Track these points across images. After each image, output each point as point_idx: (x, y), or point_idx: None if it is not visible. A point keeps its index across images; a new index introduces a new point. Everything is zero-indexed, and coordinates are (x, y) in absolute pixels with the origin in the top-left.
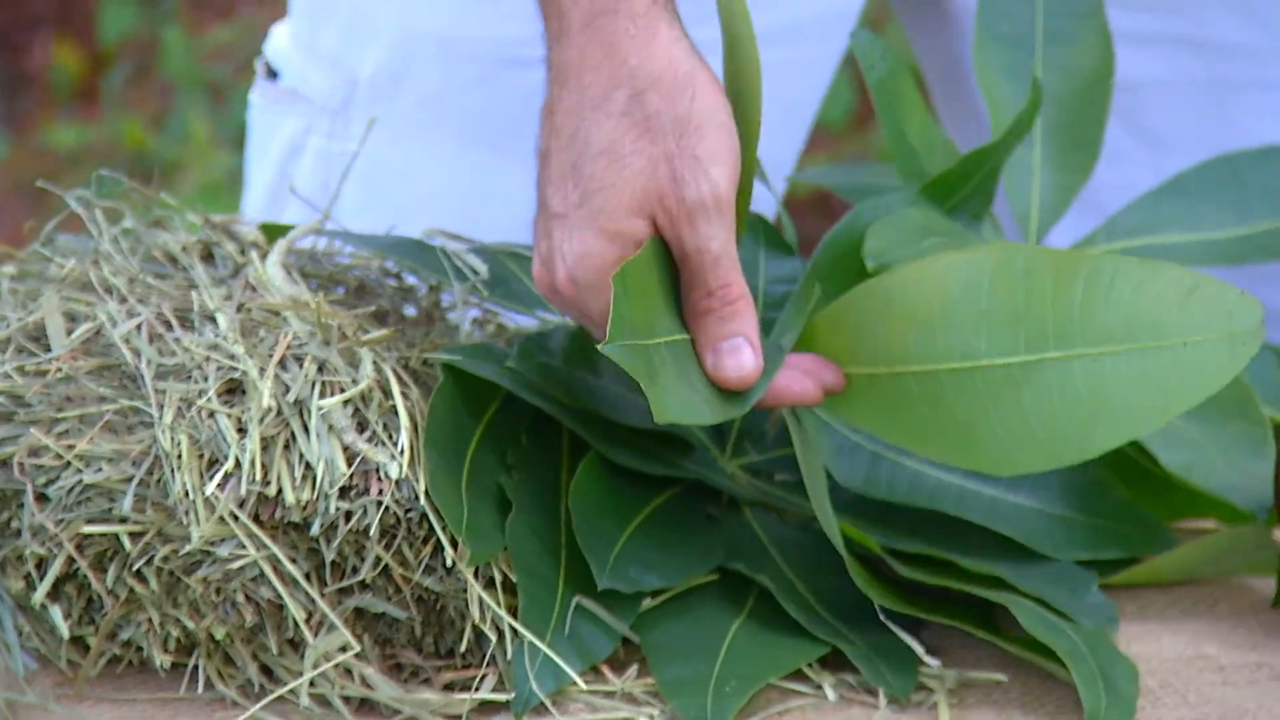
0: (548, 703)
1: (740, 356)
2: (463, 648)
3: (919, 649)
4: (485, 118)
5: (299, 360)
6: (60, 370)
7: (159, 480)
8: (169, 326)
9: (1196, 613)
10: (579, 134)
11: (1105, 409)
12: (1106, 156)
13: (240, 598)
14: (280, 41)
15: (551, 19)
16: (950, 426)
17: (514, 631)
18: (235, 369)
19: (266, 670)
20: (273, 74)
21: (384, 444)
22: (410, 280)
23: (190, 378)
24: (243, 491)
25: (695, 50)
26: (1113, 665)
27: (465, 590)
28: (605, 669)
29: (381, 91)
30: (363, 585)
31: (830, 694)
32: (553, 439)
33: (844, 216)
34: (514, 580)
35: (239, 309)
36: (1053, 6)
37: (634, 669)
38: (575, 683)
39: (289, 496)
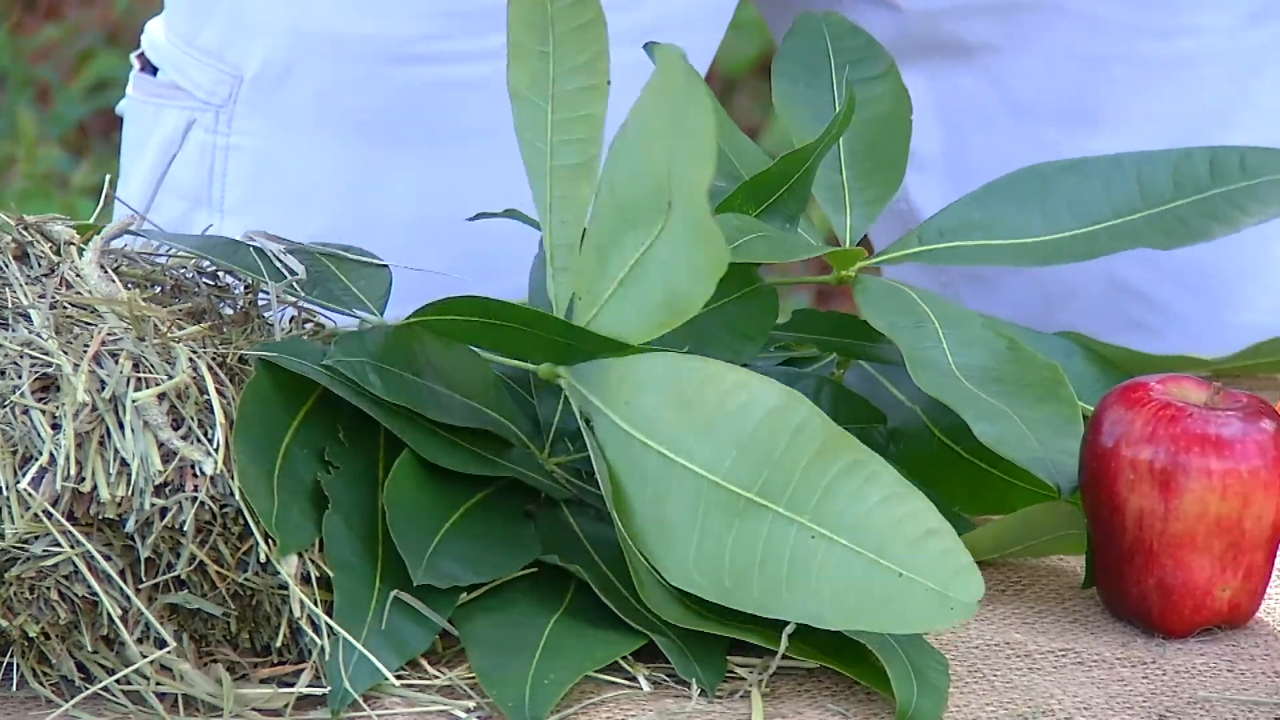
0: (361, 702)
1: None
2: (279, 643)
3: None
4: (372, 114)
5: (114, 356)
6: None
7: None
8: None
9: (1004, 600)
10: None
11: (799, 582)
12: (979, 123)
13: (54, 595)
14: (157, 36)
15: None
16: (660, 517)
17: (330, 627)
18: (49, 364)
19: (83, 668)
20: (149, 67)
21: (199, 440)
22: (227, 280)
23: (3, 374)
24: (57, 488)
25: None
26: (923, 658)
27: (282, 586)
28: (424, 661)
29: (268, 87)
30: (178, 582)
31: (644, 685)
32: (370, 436)
33: None
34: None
35: (53, 306)
36: (844, 62)
37: (453, 661)
38: (389, 680)
39: (104, 493)
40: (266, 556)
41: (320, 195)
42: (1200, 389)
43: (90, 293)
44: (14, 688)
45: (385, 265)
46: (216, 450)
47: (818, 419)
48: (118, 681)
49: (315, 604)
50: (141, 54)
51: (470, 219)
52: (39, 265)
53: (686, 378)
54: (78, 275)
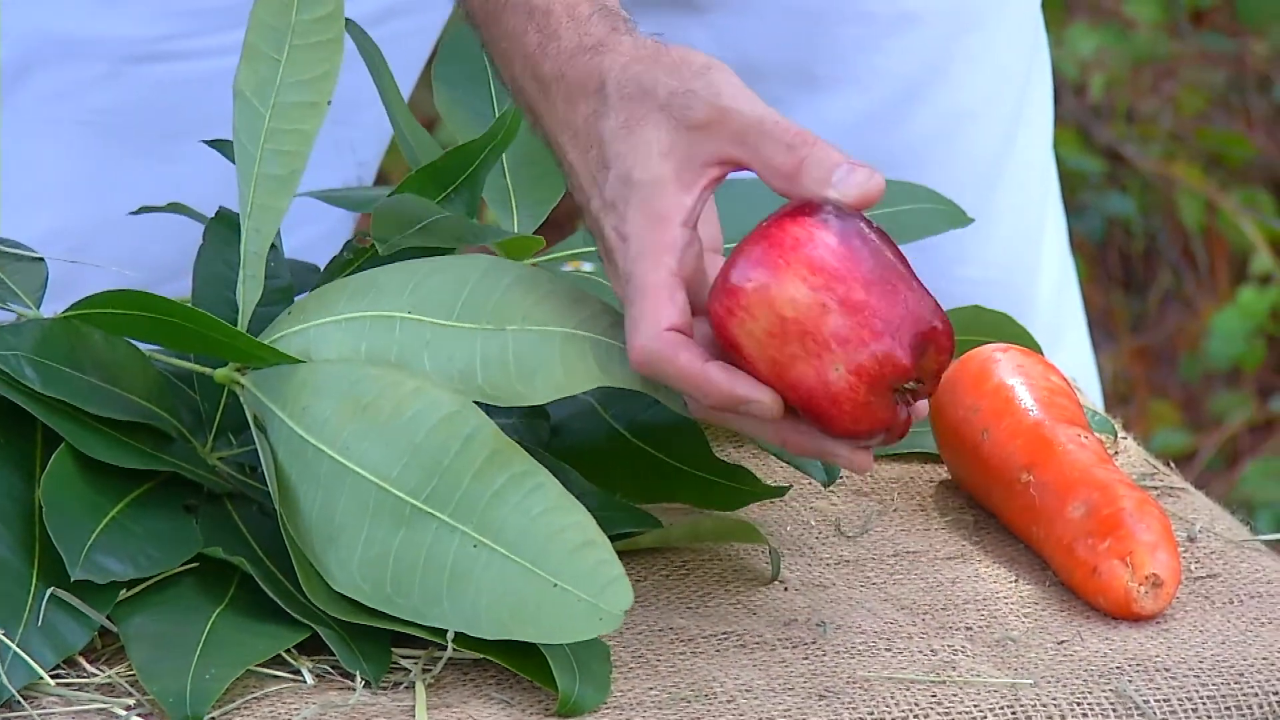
0: (21, 699)
1: (857, 173)
2: None
3: None
4: (110, 112)
5: None
6: None
7: None
8: None
9: (668, 585)
10: None
11: (459, 590)
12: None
13: None
14: None
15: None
16: (328, 522)
17: None
18: None
19: None
20: None
21: None
22: None
23: None
24: None
25: None
26: (585, 646)
27: None
28: (85, 659)
29: (2, 88)
30: None
31: (308, 678)
32: (26, 432)
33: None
34: None
35: None
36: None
37: (113, 659)
38: (43, 679)
39: None
40: None
41: (55, 195)
42: None
43: None
44: None
45: (41, 258)
46: None
47: (489, 428)
48: None
49: None
50: None
51: (133, 213)
52: None
53: (366, 385)
54: None
